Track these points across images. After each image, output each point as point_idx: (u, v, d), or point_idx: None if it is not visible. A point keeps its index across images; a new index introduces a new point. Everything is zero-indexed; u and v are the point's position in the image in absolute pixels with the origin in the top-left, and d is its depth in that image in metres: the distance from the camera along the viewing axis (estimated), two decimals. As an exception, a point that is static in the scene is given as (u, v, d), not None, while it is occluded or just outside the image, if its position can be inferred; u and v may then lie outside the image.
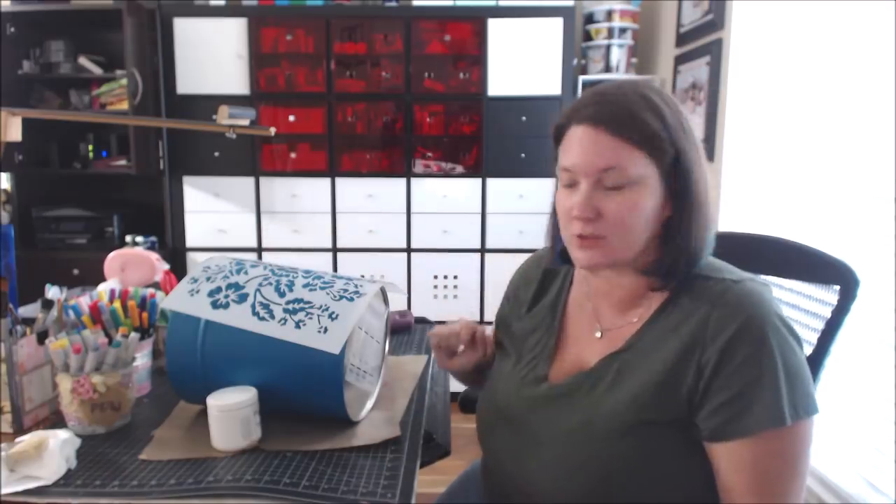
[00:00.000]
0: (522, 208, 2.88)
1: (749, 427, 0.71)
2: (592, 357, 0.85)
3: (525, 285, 1.00)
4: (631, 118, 0.75)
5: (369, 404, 1.03)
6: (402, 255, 2.92)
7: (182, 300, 0.97)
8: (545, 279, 0.97)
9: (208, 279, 0.99)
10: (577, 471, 0.79)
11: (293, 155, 2.85)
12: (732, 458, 0.73)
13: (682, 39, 2.66)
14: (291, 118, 2.81)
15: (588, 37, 3.00)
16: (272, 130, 1.41)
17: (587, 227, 0.78)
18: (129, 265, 1.41)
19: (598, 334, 0.87)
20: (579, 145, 0.78)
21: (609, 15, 2.92)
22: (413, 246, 2.92)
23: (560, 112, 0.84)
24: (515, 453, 0.86)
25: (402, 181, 2.87)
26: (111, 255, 1.42)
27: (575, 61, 2.90)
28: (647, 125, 0.75)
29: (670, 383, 0.75)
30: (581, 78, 2.90)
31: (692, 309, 0.77)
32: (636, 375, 0.78)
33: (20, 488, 0.77)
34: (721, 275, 0.79)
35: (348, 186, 2.87)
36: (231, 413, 0.88)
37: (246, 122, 1.35)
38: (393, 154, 2.86)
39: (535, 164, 2.85)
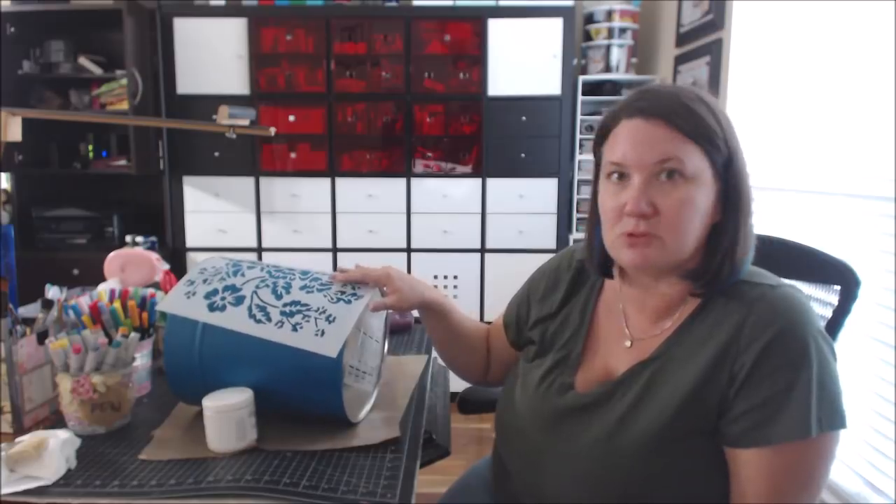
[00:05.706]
0: (522, 208, 2.88)
1: (773, 436, 0.69)
2: (620, 366, 0.82)
3: (553, 286, 0.95)
4: (688, 111, 0.73)
5: (369, 405, 1.03)
6: (402, 255, 2.92)
7: (178, 303, 0.96)
8: (574, 283, 0.93)
9: (205, 281, 0.99)
10: (600, 484, 0.77)
11: (293, 155, 2.85)
12: (751, 466, 0.71)
13: (682, 39, 2.66)
14: (291, 118, 2.81)
15: (588, 37, 3.00)
16: (272, 130, 1.41)
17: (641, 223, 0.73)
18: (129, 265, 1.41)
19: (628, 343, 0.83)
20: (632, 138, 0.75)
21: (609, 15, 2.92)
22: (413, 246, 2.92)
23: (606, 112, 0.82)
24: (534, 462, 0.84)
25: (402, 181, 2.87)
26: (111, 255, 1.42)
27: (575, 61, 2.90)
28: (703, 120, 0.73)
29: (702, 392, 0.73)
30: (581, 78, 2.90)
31: (726, 315, 0.74)
32: (668, 385, 0.75)
33: (20, 488, 0.77)
34: (757, 279, 0.76)
35: (348, 186, 2.87)
36: (226, 415, 0.88)
37: (246, 122, 1.36)
38: (393, 154, 2.86)
39: (535, 164, 2.85)
